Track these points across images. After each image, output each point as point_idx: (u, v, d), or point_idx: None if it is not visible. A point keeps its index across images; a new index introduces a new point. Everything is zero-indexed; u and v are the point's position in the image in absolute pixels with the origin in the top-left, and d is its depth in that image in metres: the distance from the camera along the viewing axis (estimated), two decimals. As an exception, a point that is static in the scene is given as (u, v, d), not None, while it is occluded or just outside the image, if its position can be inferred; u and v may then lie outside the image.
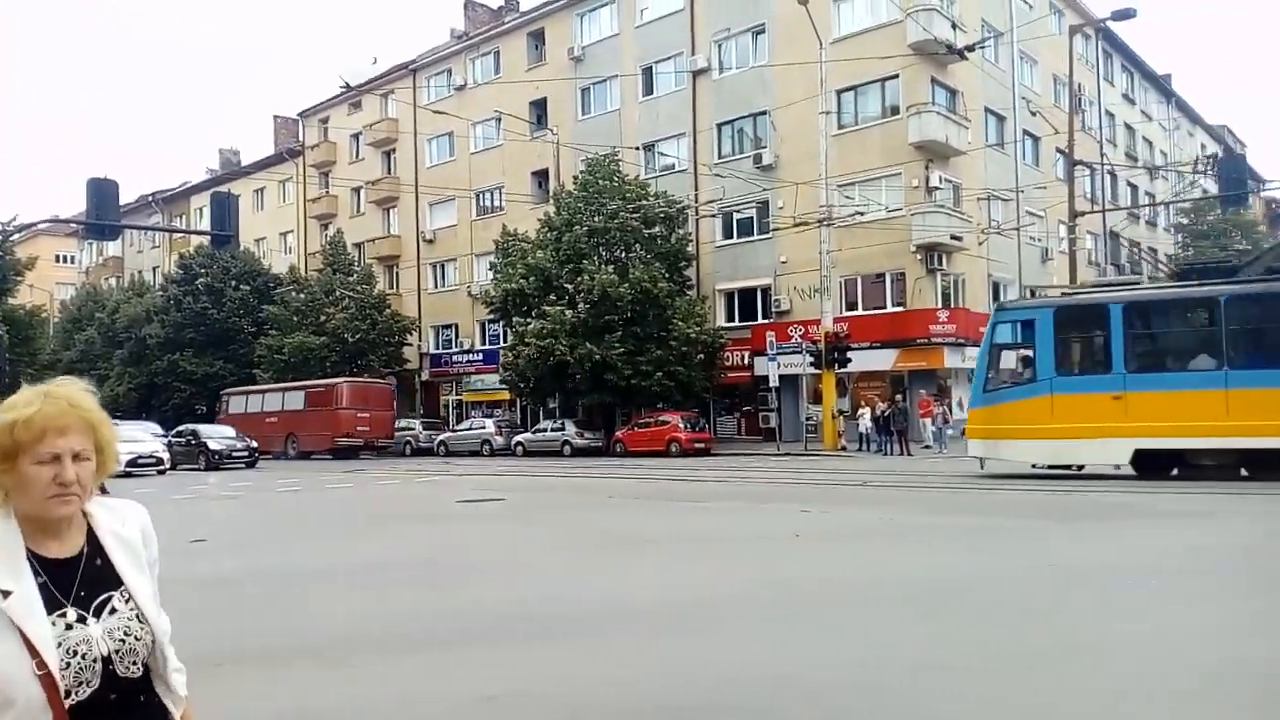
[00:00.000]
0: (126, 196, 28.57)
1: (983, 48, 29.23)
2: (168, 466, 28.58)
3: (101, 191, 20.09)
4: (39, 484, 1.61)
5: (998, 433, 17.11)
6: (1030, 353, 17.14)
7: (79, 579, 1.65)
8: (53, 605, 1.59)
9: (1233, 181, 26.45)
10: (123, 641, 1.64)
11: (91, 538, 1.71)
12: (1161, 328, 17.26)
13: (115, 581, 1.69)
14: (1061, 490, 14.49)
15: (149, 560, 1.78)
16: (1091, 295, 18.02)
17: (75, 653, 1.58)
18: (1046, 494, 14.13)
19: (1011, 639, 5.65)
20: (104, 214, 20.51)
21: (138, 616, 1.68)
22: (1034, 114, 33.99)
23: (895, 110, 30.60)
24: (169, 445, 30.36)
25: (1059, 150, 34.21)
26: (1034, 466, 16.98)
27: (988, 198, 32.10)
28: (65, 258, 71.19)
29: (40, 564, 1.62)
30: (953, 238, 29.55)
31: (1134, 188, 45.20)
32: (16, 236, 40.43)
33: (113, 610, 1.66)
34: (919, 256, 29.65)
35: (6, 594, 1.55)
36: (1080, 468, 16.84)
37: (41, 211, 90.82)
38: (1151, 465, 15.81)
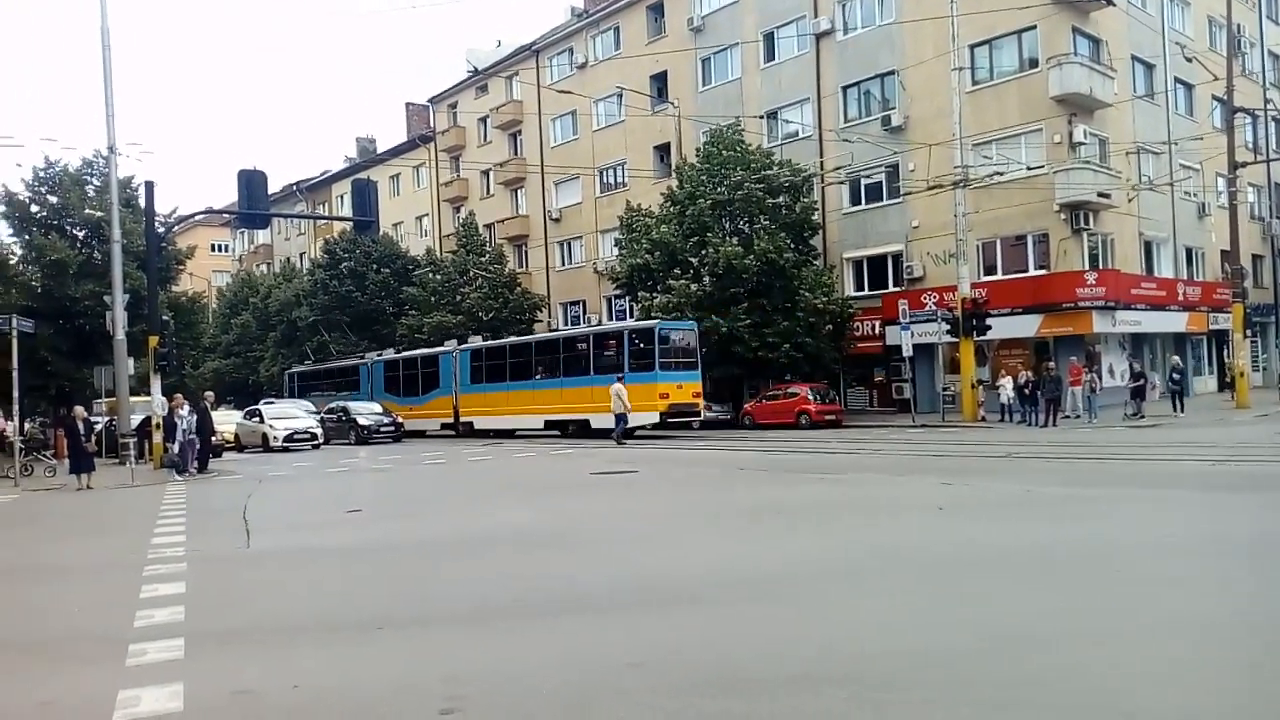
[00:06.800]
0: (273, 186, 30.21)
1: (1131, -9, 27.42)
2: (321, 441, 30.34)
3: (251, 182, 21.30)
4: None
5: None
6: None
7: None
8: None
9: None
10: None
11: None
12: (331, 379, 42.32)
13: None
14: (1211, 460, 13.64)
15: None
16: (305, 367, 45.75)
17: None
18: (1197, 464, 13.33)
19: (1129, 611, 5.48)
20: (254, 204, 21.71)
21: None
22: (1189, 60, 31.67)
23: (1034, 63, 29.04)
24: (321, 421, 32.13)
25: (1216, 98, 31.82)
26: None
27: (1137, 151, 30.19)
28: (220, 247, 75.77)
29: None
30: (1099, 195, 27.93)
31: (1303, 134, 41.56)
32: (177, 228, 43.26)
33: None
34: (1063, 216, 28.19)
35: None
36: None
37: (197, 204, 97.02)
38: None
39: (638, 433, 27.98)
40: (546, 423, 30.84)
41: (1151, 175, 30.76)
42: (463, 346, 35.48)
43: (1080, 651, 4.69)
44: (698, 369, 28.21)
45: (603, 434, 27.05)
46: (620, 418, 24.96)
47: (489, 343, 35.10)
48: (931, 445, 19.23)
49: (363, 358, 41.35)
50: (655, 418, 26.85)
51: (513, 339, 35.13)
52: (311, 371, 44.33)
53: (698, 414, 28.25)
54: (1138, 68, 31.81)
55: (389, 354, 40.14)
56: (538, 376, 31.46)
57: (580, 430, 29.01)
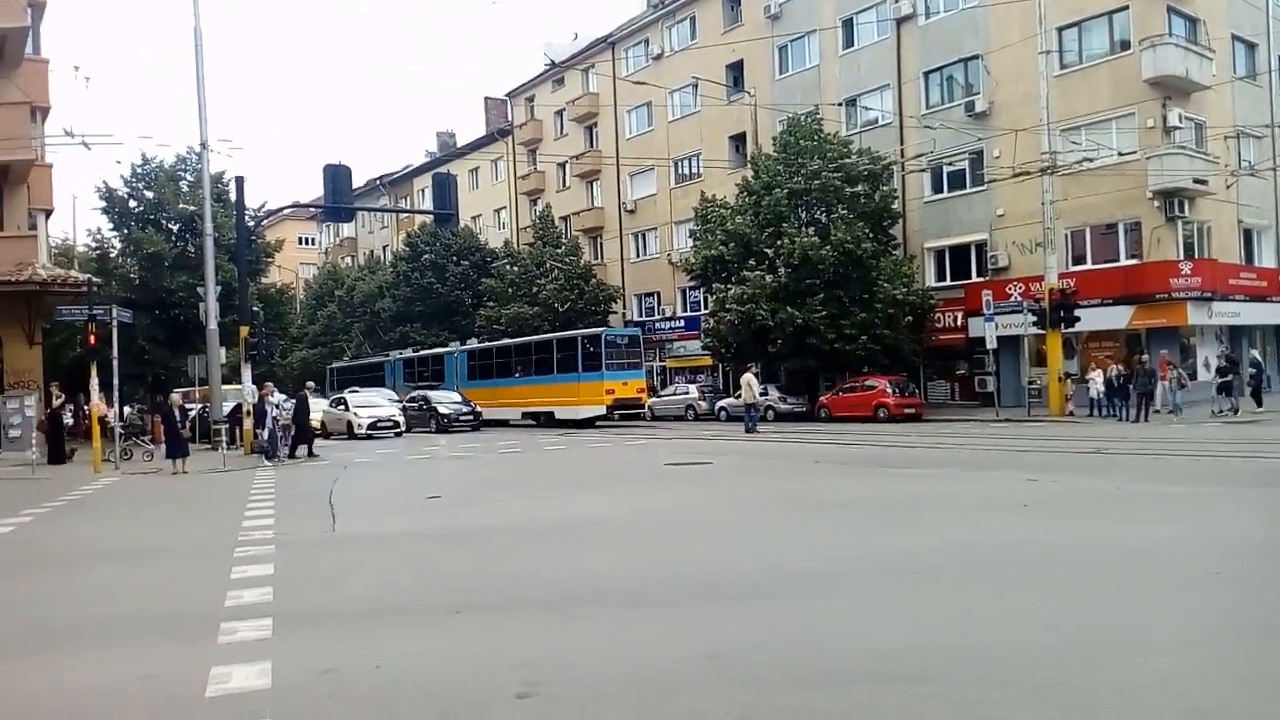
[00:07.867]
0: (357, 181, 30.95)
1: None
2: (403, 429, 31.00)
3: (337, 177, 21.88)
4: None
5: None
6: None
7: None
8: None
9: None
10: None
11: None
12: (362, 374, 44.58)
13: None
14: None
15: None
16: (343, 363, 50.40)
17: None
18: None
19: (1225, 613, 5.24)
20: (339, 198, 22.31)
21: None
22: (1295, 37, 30.10)
23: (1125, 44, 27.91)
24: (404, 410, 32.82)
25: (1326, 76, 30.21)
26: None
27: (1236, 135, 28.77)
28: (307, 239, 78.00)
29: None
30: (1196, 181, 26.73)
31: None
32: (266, 222, 44.64)
33: None
34: (1156, 203, 27.07)
35: None
36: None
37: (285, 198, 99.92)
38: None
39: (598, 422, 32.12)
40: (524, 414, 35.28)
41: (1252, 160, 29.33)
42: (462, 347, 40.97)
43: (1166, 655, 4.53)
44: (641, 368, 33.62)
45: (570, 424, 31.86)
46: (750, 407, 25.75)
47: (481, 345, 40.52)
48: (1016, 440, 18.72)
49: (387, 355, 46.50)
50: (602, 410, 31.75)
51: (498, 342, 39.85)
52: (349, 367, 49.14)
53: (641, 407, 33.53)
54: (1238, 47, 30.32)
55: (408, 353, 45.12)
56: (516, 374, 36.38)
57: (548, 420, 33.62)
